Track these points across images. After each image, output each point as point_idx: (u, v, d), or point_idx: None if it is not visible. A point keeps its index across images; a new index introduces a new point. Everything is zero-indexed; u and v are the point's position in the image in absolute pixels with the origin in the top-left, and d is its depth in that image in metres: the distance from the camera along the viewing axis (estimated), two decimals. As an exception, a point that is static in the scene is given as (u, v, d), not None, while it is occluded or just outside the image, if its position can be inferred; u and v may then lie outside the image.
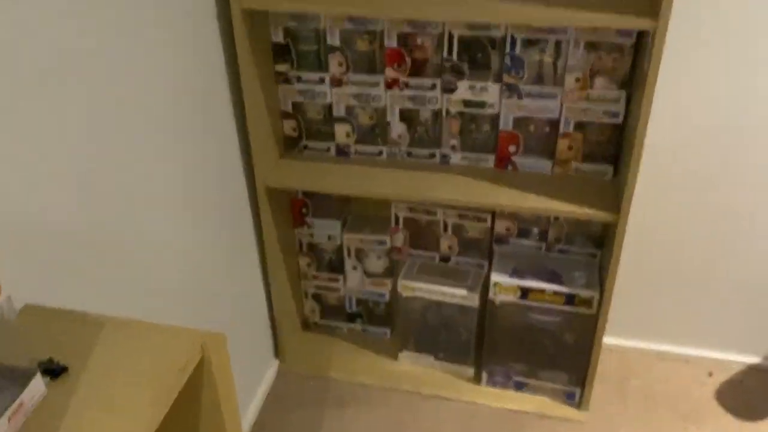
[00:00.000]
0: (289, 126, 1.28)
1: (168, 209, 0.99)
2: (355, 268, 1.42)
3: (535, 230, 1.31)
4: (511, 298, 1.27)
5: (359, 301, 1.47)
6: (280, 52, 1.20)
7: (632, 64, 1.10)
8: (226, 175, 1.17)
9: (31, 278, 0.72)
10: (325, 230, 1.39)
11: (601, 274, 1.26)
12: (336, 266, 1.43)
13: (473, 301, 1.32)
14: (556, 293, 1.24)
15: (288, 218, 1.38)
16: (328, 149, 1.29)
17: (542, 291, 1.25)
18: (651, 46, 0.96)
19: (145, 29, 0.88)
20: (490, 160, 1.24)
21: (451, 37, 1.13)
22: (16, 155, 0.69)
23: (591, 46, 1.09)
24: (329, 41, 1.17)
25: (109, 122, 0.83)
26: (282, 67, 1.21)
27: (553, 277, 1.26)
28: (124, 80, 0.85)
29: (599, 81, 1.12)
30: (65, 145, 0.76)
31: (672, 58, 1.15)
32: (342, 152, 1.29)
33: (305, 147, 1.30)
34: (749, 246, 1.32)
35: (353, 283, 1.44)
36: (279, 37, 1.18)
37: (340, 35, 1.16)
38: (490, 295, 1.29)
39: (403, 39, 1.15)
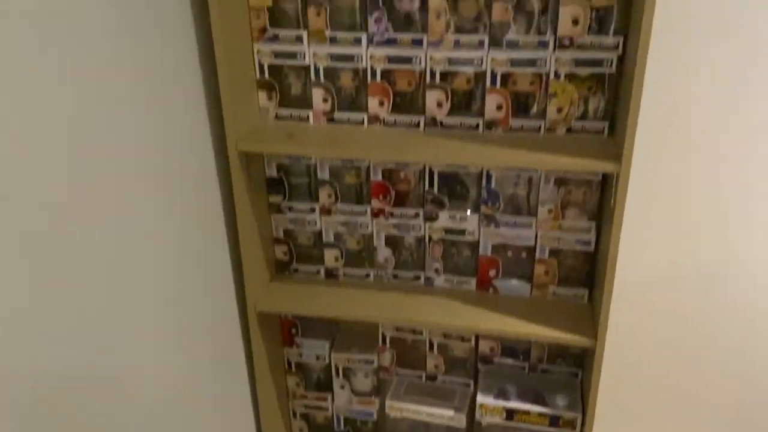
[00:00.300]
0: (280, 251, 1.35)
1: (159, 334, 1.03)
2: (342, 387, 1.44)
3: (519, 350, 1.35)
4: (497, 419, 1.29)
5: (347, 420, 1.48)
6: (274, 185, 1.28)
7: (601, 197, 1.19)
8: (219, 300, 1.22)
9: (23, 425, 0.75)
10: (313, 350, 1.42)
11: (583, 394, 1.28)
12: (324, 385, 1.45)
13: (460, 422, 1.33)
14: (540, 414, 1.26)
15: (277, 338, 1.41)
16: (318, 272, 1.35)
17: (527, 413, 1.27)
18: (615, 187, 1.05)
19: (143, 167, 0.96)
20: (471, 283, 1.30)
21: (431, 172, 1.22)
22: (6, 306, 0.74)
23: (561, 182, 1.18)
24: (320, 176, 1.26)
25: (105, 255, 0.89)
26: (275, 199, 1.29)
27: (537, 398, 1.29)
28: (122, 214, 0.92)
29: (570, 212, 1.21)
30: (55, 290, 0.81)
31: (639, 194, 1.25)
32: (331, 275, 1.35)
33: (295, 270, 1.36)
34: (729, 366, 1.36)
35: (341, 401, 1.46)
36: (273, 172, 1.27)
37: (330, 170, 1.25)
38: (477, 416, 1.30)
39: (388, 174, 1.24)
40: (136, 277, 0.95)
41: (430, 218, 1.26)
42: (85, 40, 0.82)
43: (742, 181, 1.22)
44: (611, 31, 1.05)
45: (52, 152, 0.78)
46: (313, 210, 1.29)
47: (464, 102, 1.15)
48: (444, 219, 1.26)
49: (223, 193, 1.19)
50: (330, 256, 1.33)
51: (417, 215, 1.26)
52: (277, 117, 1.22)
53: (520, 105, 1.14)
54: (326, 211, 1.29)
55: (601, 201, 1.18)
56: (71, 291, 0.82)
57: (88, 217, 0.84)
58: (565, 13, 1.05)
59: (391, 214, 1.27)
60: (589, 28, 1.05)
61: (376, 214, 1.28)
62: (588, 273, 1.24)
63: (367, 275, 1.34)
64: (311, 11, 1.12)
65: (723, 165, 1.21)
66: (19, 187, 0.73)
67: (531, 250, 1.25)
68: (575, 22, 1.05)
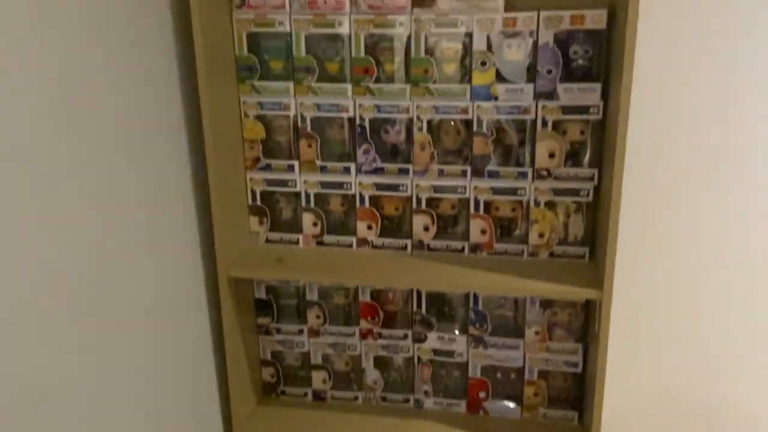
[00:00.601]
0: (267, 373, 1.33)
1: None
2: None
3: (511, 475, 1.31)
4: None
5: None
6: (262, 306, 1.29)
7: (586, 320, 1.20)
8: (204, 425, 1.19)
9: None
10: (299, 477, 1.37)
11: None
12: None
13: None
14: None
15: (262, 464, 1.36)
16: (305, 394, 1.33)
17: None
18: (599, 313, 1.07)
19: (133, 284, 0.97)
20: (462, 405, 1.28)
21: (419, 293, 1.24)
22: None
23: (546, 304, 1.20)
24: (308, 297, 1.27)
25: (89, 378, 0.87)
26: (263, 320, 1.29)
27: None
28: (109, 338, 0.91)
29: (557, 333, 1.22)
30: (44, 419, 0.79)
31: (625, 318, 1.26)
32: (318, 397, 1.33)
33: (283, 392, 1.34)
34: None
35: None
36: (262, 294, 1.28)
37: (318, 291, 1.27)
38: None
39: (376, 294, 1.26)
40: (118, 399, 0.93)
41: (419, 339, 1.26)
42: (79, 171, 0.86)
43: (731, 307, 1.23)
44: (586, 164, 1.11)
45: (39, 274, 0.79)
46: (301, 331, 1.29)
47: (449, 226, 1.19)
48: (432, 340, 1.26)
49: (210, 314, 1.20)
50: (318, 378, 1.31)
51: (405, 336, 1.27)
52: (267, 240, 1.25)
53: (503, 229, 1.18)
54: (314, 333, 1.29)
55: (587, 323, 1.20)
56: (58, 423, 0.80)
57: (71, 344, 0.84)
58: (542, 147, 1.11)
59: (380, 335, 1.27)
60: (565, 160, 1.12)
61: (364, 335, 1.28)
62: (577, 395, 1.23)
63: (356, 398, 1.32)
64: (303, 143, 1.18)
65: (713, 293, 1.23)
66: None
67: (520, 372, 1.24)
68: (551, 155, 1.11)
